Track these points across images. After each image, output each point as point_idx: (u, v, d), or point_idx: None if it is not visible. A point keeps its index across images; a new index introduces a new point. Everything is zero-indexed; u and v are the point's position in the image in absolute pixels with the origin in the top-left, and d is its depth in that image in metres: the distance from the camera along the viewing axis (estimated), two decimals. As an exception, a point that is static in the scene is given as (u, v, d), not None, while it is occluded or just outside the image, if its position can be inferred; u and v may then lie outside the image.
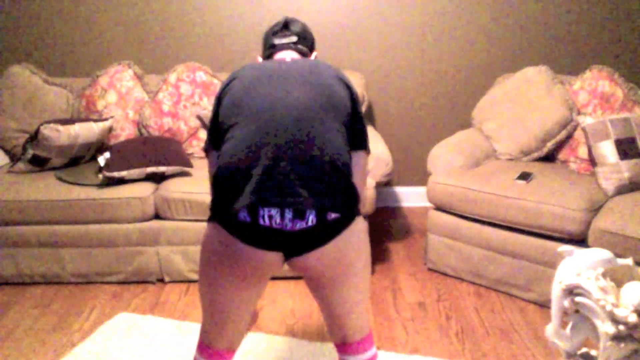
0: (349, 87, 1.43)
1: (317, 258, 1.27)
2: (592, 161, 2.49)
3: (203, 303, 1.40)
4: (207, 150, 1.46)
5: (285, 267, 2.60)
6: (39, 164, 2.81)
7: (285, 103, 1.29)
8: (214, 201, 1.31)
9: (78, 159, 2.91)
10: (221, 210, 1.27)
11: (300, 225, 1.23)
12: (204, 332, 1.44)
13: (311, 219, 1.23)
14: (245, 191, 1.23)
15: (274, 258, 1.27)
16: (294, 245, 1.25)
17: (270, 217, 1.22)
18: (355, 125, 1.42)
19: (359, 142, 1.44)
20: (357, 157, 1.44)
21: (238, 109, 1.32)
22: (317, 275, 1.32)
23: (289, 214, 1.22)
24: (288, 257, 1.28)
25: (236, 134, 1.29)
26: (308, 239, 1.25)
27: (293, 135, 1.25)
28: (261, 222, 1.23)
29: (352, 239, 1.30)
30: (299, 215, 1.22)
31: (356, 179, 1.43)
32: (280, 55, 1.53)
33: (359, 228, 1.32)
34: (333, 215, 1.25)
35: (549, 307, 2.37)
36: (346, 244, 1.28)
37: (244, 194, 1.23)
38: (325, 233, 1.25)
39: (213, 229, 1.31)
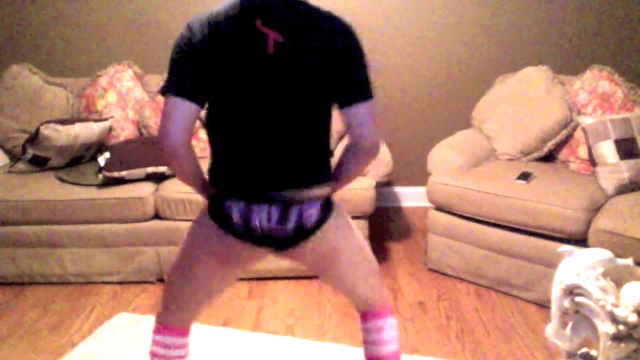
0: (336, 41, 1.25)
1: (302, 249, 1.36)
2: (592, 161, 2.49)
3: (176, 283, 1.42)
4: (167, 93, 1.23)
5: (286, 265, 2.61)
6: (39, 164, 2.81)
7: (272, 108, 1.27)
8: (211, 197, 1.35)
9: (78, 159, 2.91)
10: (216, 208, 1.32)
11: (283, 229, 1.32)
12: (166, 313, 1.46)
13: (290, 228, 1.32)
14: (238, 199, 1.30)
15: (262, 251, 1.36)
16: (280, 242, 1.34)
17: (260, 222, 1.31)
18: (349, 77, 1.28)
19: (359, 93, 1.29)
20: (358, 110, 1.29)
21: (231, 102, 1.27)
22: (308, 261, 1.42)
23: (275, 216, 1.30)
24: (277, 250, 1.37)
25: (230, 134, 1.30)
26: (292, 238, 1.34)
27: (278, 144, 1.29)
28: (252, 224, 1.31)
29: (331, 228, 1.37)
30: (282, 221, 1.32)
31: (363, 134, 1.31)
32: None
33: (336, 217, 1.39)
34: (310, 223, 1.33)
35: (549, 307, 2.37)
36: (327, 234, 1.36)
37: (237, 204, 1.30)
38: (305, 232, 1.34)
39: (207, 218, 1.35)
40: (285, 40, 1.22)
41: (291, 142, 1.29)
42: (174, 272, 1.43)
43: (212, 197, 1.34)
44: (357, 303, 1.55)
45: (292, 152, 1.30)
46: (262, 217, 1.29)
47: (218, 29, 1.21)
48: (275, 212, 1.29)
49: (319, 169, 1.35)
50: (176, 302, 1.44)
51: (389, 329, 1.53)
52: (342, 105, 1.30)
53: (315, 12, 1.26)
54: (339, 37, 1.26)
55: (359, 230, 1.53)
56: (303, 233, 1.33)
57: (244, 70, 1.22)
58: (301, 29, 1.23)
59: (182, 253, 1.42)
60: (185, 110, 1.21)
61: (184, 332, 1.48)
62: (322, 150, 1.36)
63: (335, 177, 1.41)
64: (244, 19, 1.22)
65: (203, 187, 1.39)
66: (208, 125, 1.33)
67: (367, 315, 1.54)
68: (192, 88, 1.21)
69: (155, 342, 1.46)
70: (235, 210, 1.29)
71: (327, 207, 1.37)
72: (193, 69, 1.21)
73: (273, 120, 1.26)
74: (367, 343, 1.55)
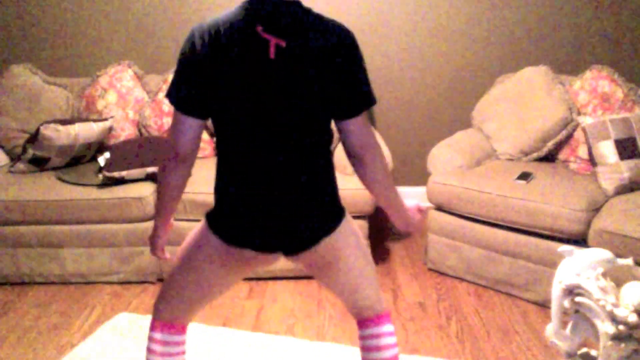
0: (338, 46, 1.24)
1: (313, 254, 1.36)
2: (592, 161, 2.49)
3: (179, 280, 1.42)
4: (170, 102, 1.28)
5: (286, 265, 2.61)
6: (39, 164, 2.81)
7: (268, 130, 1.27)
8: (216, 215, 1.35)
9: (78, 159, 2.91)
10: (222, 228, 1.33)
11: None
12: (166, 310, 1.45)
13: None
14: (245, 227, 1.31)
15: (271, 256, 1.37)
16: (290, 247, 1.35)
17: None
18: (350, 84, 1.27)
19: (359, 104, 1.29)
20: (356, 121, 1.29)
21: (231, 121, 1.29)
22: (315, 267, 1.43)
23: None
24: (286, 255, 1.38)
25: (232, 160, 1.31)
26: (300, 242, 1.35)
27: (276, 171, 1.28)
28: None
29: (339, 237, 1.38)
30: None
31: (362, 140, 1.32)
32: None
33: (344, 227, 1.38)
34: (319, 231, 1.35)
35: (549, 307, 2.37)
36: (334, 243, 1.37)
37: (244, 231, 1.32)
38: (314, 236, 1.34)
39: (210, 233, 1.35)
40: (287, 45, 1.22)
41: (294, 152, 1.28)
42: (177, 270, 1.43)
43: (214, 214, 1.35)
44: (356, 309, 1.53)
45: (296, 162, 1.29)
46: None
47: (219, 37, 1.21)
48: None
49: (324, 181, 1.35)
50: (178, 298, 1.44)
51: (387, 336, 1.51)
52: (342, 117, 1.29)
53: (317, 18, 1.26)
54: (341, 42, 1.25)
55: (360, 233, 1.51)
56: (312, 239, 1.33)
57: (246, 78, 1.22)
58: (302, 34, 1.23)
59: (186, 252, 1.41)
60: (189, 123, 1.27)
61: (182, 329, 1.48)
62: (326, 160, 1.35)
63: (377, 198, 1.40)
64: (245, 26, 1.22)
65: (164, 222, 1.43)
66: (215, 135, 1.35)
67: (364, 322, 1.53)
68: (193, 104, 1.25)
69: (153, 339, 1.45)
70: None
71: (338, 213, 1.37)
72: (194, 82, 1.24)
73: (275, 126, 1.25)
74: (365, 349, 1.53)
